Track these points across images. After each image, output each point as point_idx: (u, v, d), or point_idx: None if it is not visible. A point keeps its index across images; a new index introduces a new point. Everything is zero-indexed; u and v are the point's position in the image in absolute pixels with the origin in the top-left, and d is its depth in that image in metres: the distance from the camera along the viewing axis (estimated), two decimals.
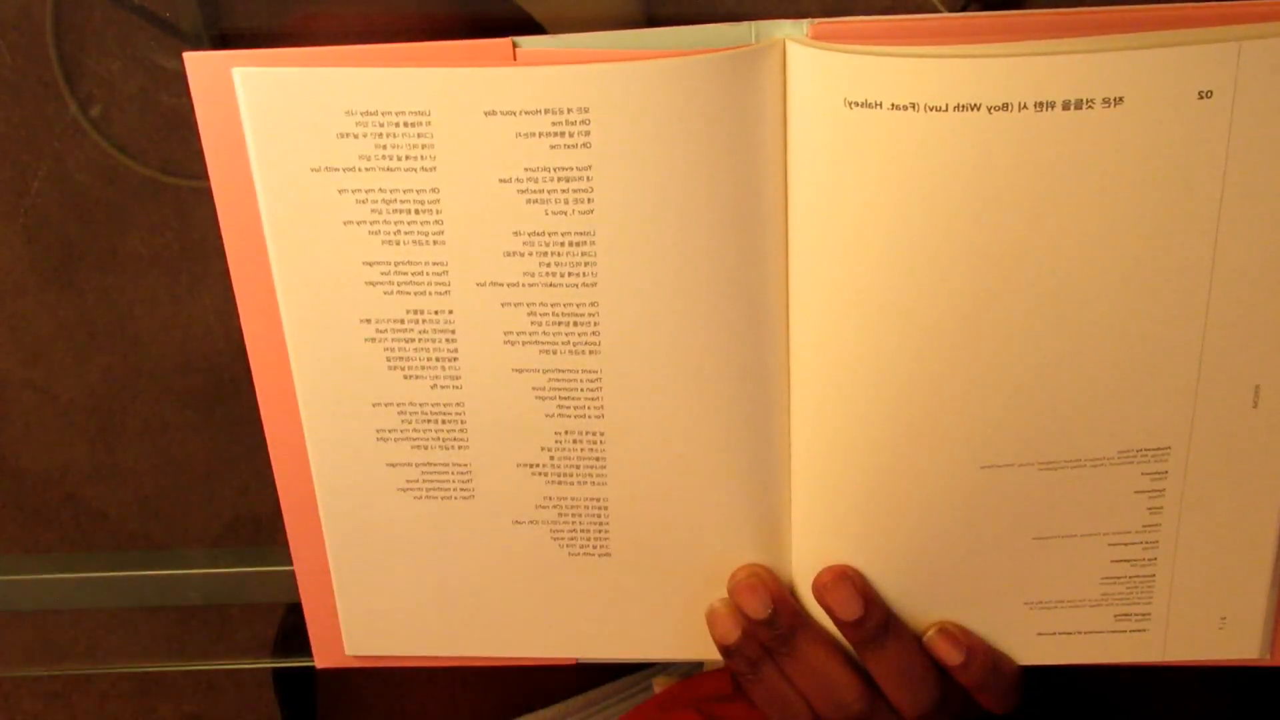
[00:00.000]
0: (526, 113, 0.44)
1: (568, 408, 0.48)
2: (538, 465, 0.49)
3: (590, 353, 0.47)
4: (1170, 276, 0.44)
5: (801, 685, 0.50)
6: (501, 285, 0.46)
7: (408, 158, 0.45)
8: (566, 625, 0.52)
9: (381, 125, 0.44)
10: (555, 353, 0.47)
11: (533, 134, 0.44)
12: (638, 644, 0.52)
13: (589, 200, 0.45)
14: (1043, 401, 0.45)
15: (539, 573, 0.51)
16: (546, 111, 0.43)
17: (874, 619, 0.48)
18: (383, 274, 0.47)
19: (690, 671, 0.67)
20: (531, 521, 0.50)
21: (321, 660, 0.54)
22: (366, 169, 0.45)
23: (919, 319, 0.45)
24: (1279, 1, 0.41)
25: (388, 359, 0.48)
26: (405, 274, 0.47)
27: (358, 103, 0.44)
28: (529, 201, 0.45)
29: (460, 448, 0.49)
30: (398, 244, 0.46)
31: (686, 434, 0.48)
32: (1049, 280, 0.44)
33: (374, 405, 0.49)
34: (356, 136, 0.45)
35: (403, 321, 0.47)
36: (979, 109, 0.41)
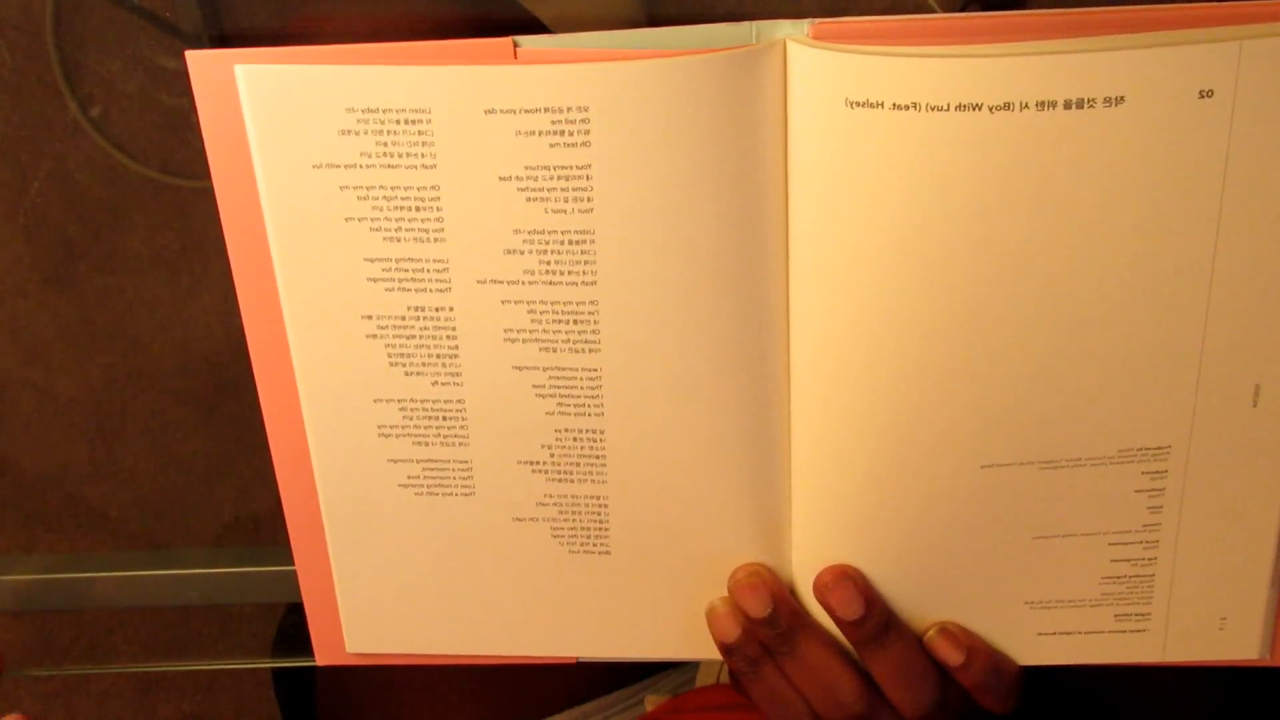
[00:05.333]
0: (526, 111, 0.44)
1: (568, 405, 0.48)
2: (538, 463, 0.49)
3: (590, 351, 0.47)
4: (1170, 275, 0.44)
5: (801, 685, 0.50)
6: (502, 283, 0.46)
7: (409, 155, 0.45)
8: (566, 623, 0.52)
9: (383, 123, 0.44)
10: (555, 350, 0.47)
11: (532, 132, 0.44)
12: (637, 642, 0.52)
13: (588, 199, 0.45)
14: (1043, 400, 0.45)
15: (539, 570, 0.51)
16: (546, 110, 0.43)
17: (875, 618, 0.48)
18: (384, 271, 0.47)
19: (680, 689, 0.67)
20: (532, 519, 0.50)
21: (323, 658, 0.54)
22: (368, 166, 0.45)
23: (920, 318, 0.45)
24: (1279, 1, 0.41)
25: (389, 355, 0.48)
26: (406, 271, 0.47)
27: (359, 100, 0.44)
28: (529, 200, 0.45)
29: (461, 444, 0.49)
30: (399, 241, 0.46)
31: (686, 432, 0.48)
32: (1049, 279, 0.44)
33: (375, 401, 0.49)
34: (358, 133, 0.45)
35: (404, 318, 0.47)
36: (980, 109, 0.41)
